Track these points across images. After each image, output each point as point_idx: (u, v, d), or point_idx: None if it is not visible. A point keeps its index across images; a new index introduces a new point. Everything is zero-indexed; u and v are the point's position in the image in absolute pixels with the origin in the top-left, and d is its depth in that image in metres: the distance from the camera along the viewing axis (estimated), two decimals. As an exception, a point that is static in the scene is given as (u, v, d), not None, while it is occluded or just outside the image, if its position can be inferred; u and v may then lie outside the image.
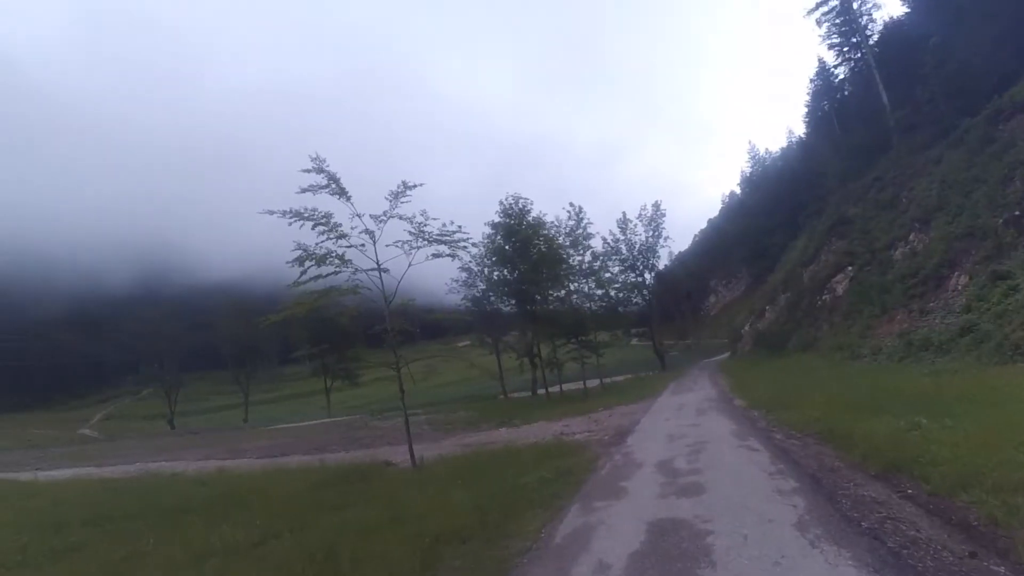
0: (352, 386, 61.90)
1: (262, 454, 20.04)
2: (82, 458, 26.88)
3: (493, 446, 13.01)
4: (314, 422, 42.21)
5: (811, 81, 59.92)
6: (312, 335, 38.55)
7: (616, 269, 39.53)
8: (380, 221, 11.43)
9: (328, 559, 5.12)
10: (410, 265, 11.76)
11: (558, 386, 31.01)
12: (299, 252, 11.09)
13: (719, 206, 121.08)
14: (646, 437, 10.98)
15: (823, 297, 28.07)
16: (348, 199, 11.28)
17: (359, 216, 11.25)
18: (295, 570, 4.99)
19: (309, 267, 11.12)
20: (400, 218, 11.59)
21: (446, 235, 11.52)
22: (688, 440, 9.66)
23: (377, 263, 11.46)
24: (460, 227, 11.80)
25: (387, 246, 11.41)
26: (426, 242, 11.51)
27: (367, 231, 11.26)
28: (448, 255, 11.87)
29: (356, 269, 11.36)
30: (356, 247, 11.31)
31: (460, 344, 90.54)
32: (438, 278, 40.44)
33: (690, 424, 11.80)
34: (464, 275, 38.35)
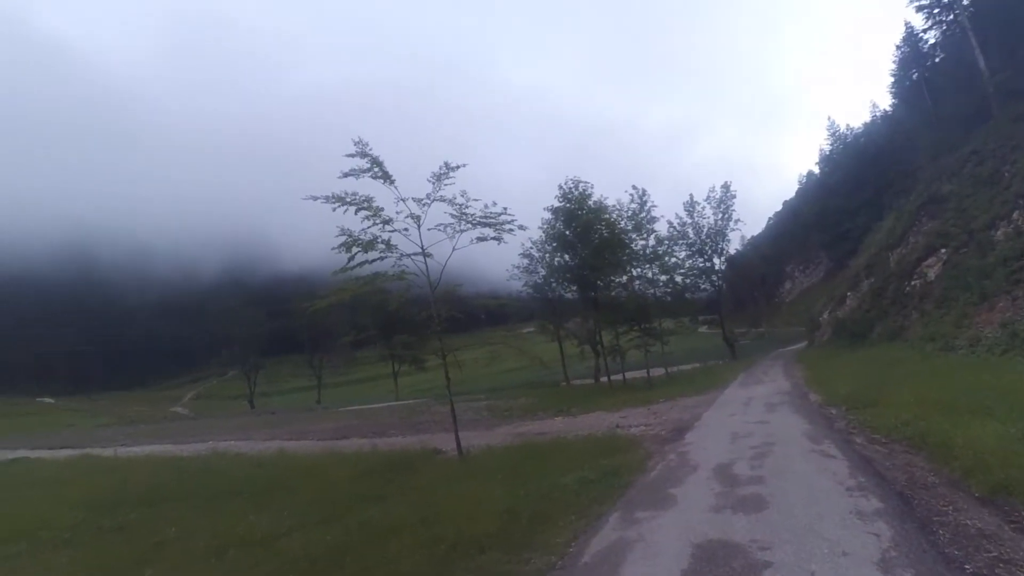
0: (419, 370, 63.57)
1: (324, 436, 20.48)
2: (164, 435, 28.89)
3: (544, 437, 12.54)
4: (381, 405, 43.42)
5: (897, 48, 54.76)
6: (375, 322, 39.46)
7: (683, 254, 37.60)
8: (423, 204, 11.12)
9: (335, 563, 4.81)
10: (454, 249, 11.40)
11: (621, 374, 30.07)
12: (344, 238, 10.92)
13: (795, 187, 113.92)
14: (707, 434, 10.11)
15: (912, 283, 25.49)
16: (391, 183, 11.01)
17: (403, 200, 10.99)
18: (299, 569, 4.74)
19: (356, 253, 10.93)
20: (444, 200, 11.25)
21: (490, 217, 11.02)
22: (753, 440, 8.73)
23: (421, 248, 11.17)
24: (505, 209, 11.28)
25: (429, 230, 11.10)
26: (469, 225, 11.08)
27: (412, 215, 10.99)
28: (493, 238, 11.39)
29: (401, 254, 11.11)
30: (400, 231, 11.08)
31: (524, 331, 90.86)
32: (500, 262, 40.35)
33: (757, 421, 10.77)
34: (525, 261, 38.00)
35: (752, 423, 10.57)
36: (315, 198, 10.79)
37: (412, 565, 4.57)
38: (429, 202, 11.16)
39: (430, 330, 11.89)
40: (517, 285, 38.47)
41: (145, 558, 6.07)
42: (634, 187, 28.89)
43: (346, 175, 10.81)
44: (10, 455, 23.45)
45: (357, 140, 10.87)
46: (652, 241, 29.29)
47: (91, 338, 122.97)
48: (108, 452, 20.54)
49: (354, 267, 11.04)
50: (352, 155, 10.82)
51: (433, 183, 11.20)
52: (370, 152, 10.88)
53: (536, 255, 36.80)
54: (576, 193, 28.72)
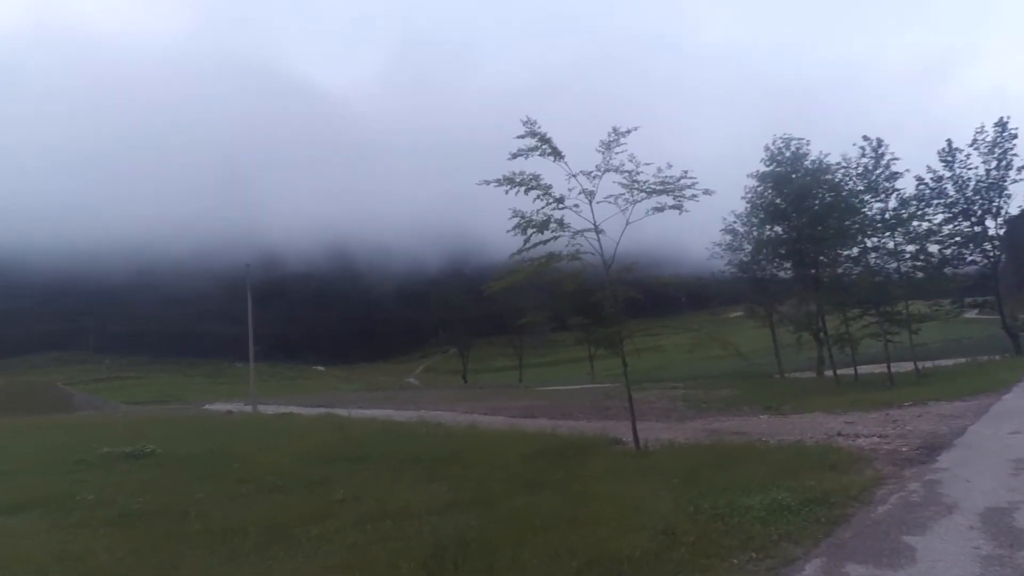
0: (616, 354, 62.46)
1: (514, 413, 20.85)
2: (392, 402, 32.75)
3: (739, 439, 10.72)
4: (576, 387, 43.68)
5: None
6: (571, 305, 39.42)
7: (938, 217, 28.97)
8: (593, 177, 10.17)
9: (455, 558, 4.47)
10: (627, 223, 10.22)
11: (852, 368, 25.17)
12: (517, 220, 10.55)
13: None
14: (972, 458, 7.38)
15: None
16: (561, 159, 10.30)
17: (574, 176, 10.20)
18: (418, 557, 4.50)
19: (531, 234, 10.51)
20: (615, 171, 10.15)
21: (667, 183, 9.55)
22: (1053, 474, 5.99)
23: (594, 223, 10.26)
24: (686, 172, 9.69)
25: (598, 203, 10.09)
26: (643, 194, 9.76)
27: (584, 191, 10.15)
28: (672, 207, 9.90)
29: (574, 232, 10.37)
30: (571, 208, 10.31)
31: (731, 315, 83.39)
32: (702, 238, 37.08)
33: (1062, 445, 7.55)
34: (728, 238, 34.30)
35: (1052, 447, 7.43)
36: (487, 182, 10.60)
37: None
38: (599, 174, 10.20)
39: (603, 312, 10.91)
40: (719, 264, 35.04)
41: (323, 512, 6.52)
42: (865, 138, 23.38)
43: (515, 156, 10.39)
44: (281, 410, 28.91)
45: (526, 120, 10.36)
46: (893, 203, 23.37)
47: (348, 320, 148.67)
48: (344, 413, 23.94)
49: (529, 248, 10.65)
50: (522, 136, 10.35)
51: (603, 152, 10.19)
52: (539, 130, 10.29)
53: (741, 230, 32.92)
54: (788, 153, 24.57)
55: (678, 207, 9.89)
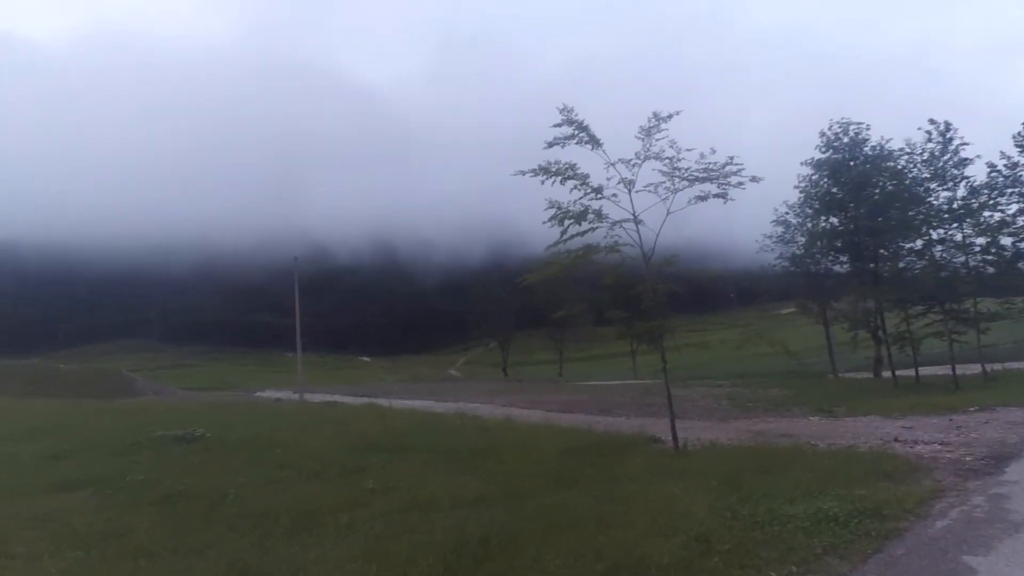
0: (656, 350, 61.11)
1: (553, 408, 20.65)
2: (433, 393, 33.10)
3: (786, 441, 10.23)
4: (618, 382, 43.12)
5: None
6: (612, 299, 38.64)
7: (1013, 208, 26.91)
8: (633, 165, 9.84)
9: (478, 557, 4.40)
10: (668, 213, 9.84)
11: (913, 370, 23.72)
12: (553, 211, 10.33)
13: None
14: (1048, 470, 6.72)
15: None
16: (599, 147, 10.01)
17: (613, 165, 9.91)
18: (438, 553, 4.43)
19: (569, 225, 10.28)
20: (657, 158, 9.79)
21: (711, 170, 9.12)
22: None
23: (633, 213, 9.94)
24: (732, 158, 9.22)
25: (637, 192, 9.75)
26: (685, 182, 9.36)
27: (623, 180, 9.85)
28: (717, 196, 9.46)
29: (612, 223, 10.08)
30: (609, 198, 10.03)
31: (783, 311, 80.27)
32: (753, 230, 35.70)
33: None
34: (780, 229, 32.86)
35: None
36: (522, 172, 10.43)
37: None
38: (639, 162, 9.86)
39: (642, 306, 10.56)
40: (769, 258, 33.60)
41: (354, 501, 6.59)
42: (932, 121, 21.75)
43: (550, 145, 10.14)
44: (327, 398, 29.67)
45: (562, 107, 10.10)
46: (962, 192, 21.67)
47: (392, 312, 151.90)
48: (386, 403, 24.34)
49: (567, 240, 10.43)
50: (559, 124, 10.11)
51: (642, 139, 9.84)
52: (576, 118, 10.02)
53: (794, 221, 31.45)
54: (845, 139, 23.22)
55: (723, 195, 9.45)
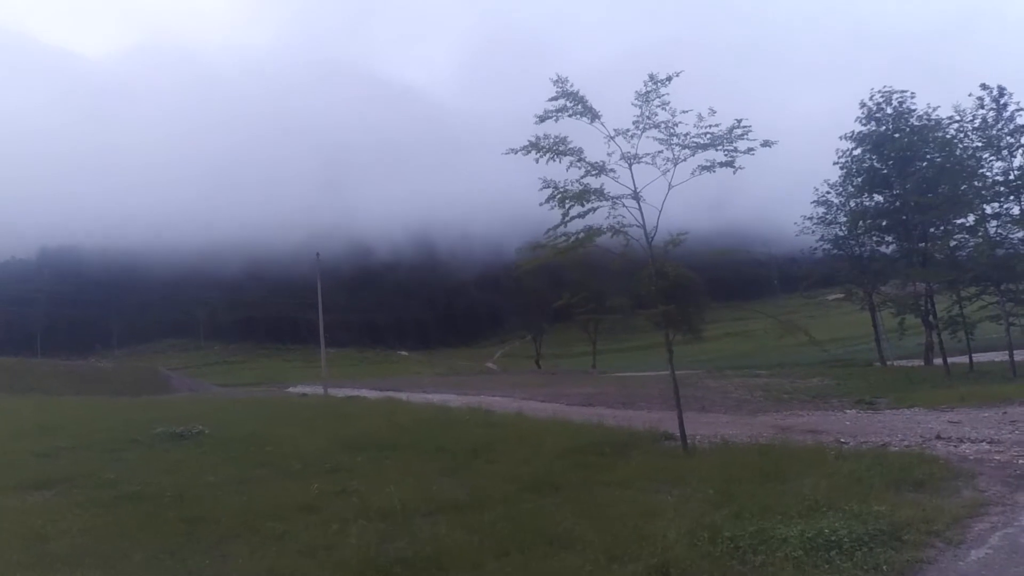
0: (696, 340, 59.94)
1: (573, 401, 19.93)
2: (458, 387, 32.63)
3: (810, 439, 9.18)
4: (651, 373, 41.74)
5: None
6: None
7: None
8: (631, 136, 8.91)
9: None
10: (671, 187, 8.86)
11: (967, 356, 21.77)
12: (549, 191, 9.51)
13: None
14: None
15: None
16: (597, 119, 9.12)
17: (613, 139, 9.01)
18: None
19: (569, 206, 9.46)
20: (657, 127, 8.81)
21: (715, 135, 8.07)
22: None
23: (634, 189, 9.03)
24: (739, 121, 8.15)
25: (636, 165, 8.81)
26: (687, 150, 8.35)
27: (625, 156, 8.95)
28: (724, 165, 8.42)
29: (613, 201, 9.21)
30: (609, 175, 9.15)
31: (829, 297, 76.46)
32: (797, 215, 33.71)
33: None
34: (821, 210, 30.82)
35: None
36: (513, 151, 9.64)
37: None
38: (638, 132, 8.90)
39: (643, 291, 9.63)
40: (810, 240, 31.58)
41: (310, 506, 6.26)
42: (984, 87, 19.65)
43: (542, 119, 9.28)
44: (351, 393, 29.57)
45: (556, 79, 9.22)
46: (1019, 160, 19.55)
47: (431, 306, 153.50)
48: (404, 397, 24.00)
49: (568, 222, 9.62)
50: (554, 98, 9.25)
51: (640, 106, 8.86)
52: (571, 89, 9.14)
53: (836, 201, 29.38)
54: (888, 110, 21.30)
55: (730, 164, 8.39)
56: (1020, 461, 6.47)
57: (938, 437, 8.49)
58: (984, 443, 7.71)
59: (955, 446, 7.75)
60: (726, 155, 8.33)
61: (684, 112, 8.03)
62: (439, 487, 7.02)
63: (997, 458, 6.73)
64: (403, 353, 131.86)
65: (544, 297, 65.63)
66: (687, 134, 8.11)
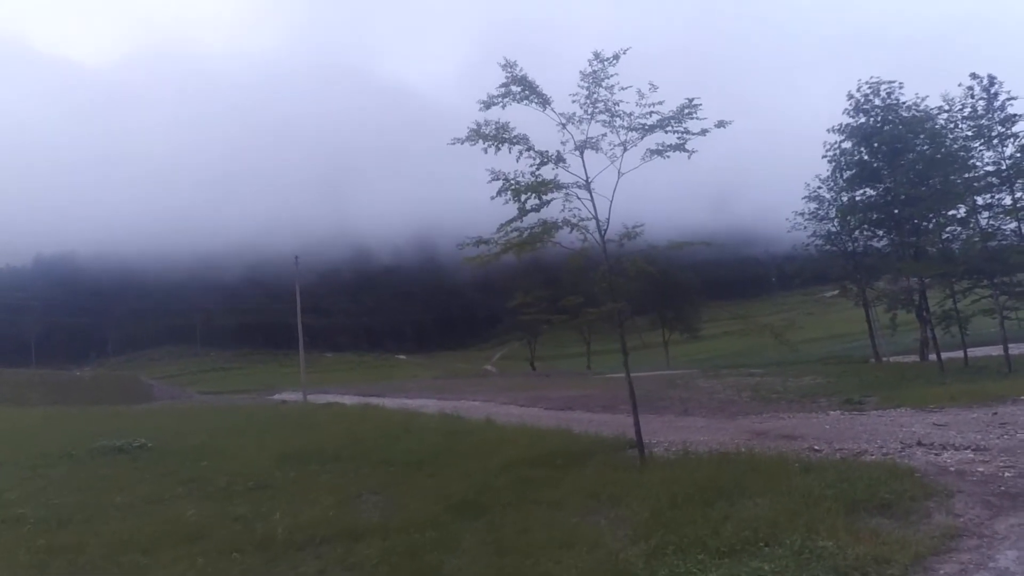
0: (693, 339, 59.28)
1: (553, 405, 19.25)
2: (442, 391, 31.84)
3: (782, 446, 8.48)
4: (646, 373, 41.03)
5: None
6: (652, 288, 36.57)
7: None
8: (580, 121, 8.15)
9: None
10: (620, 175, 8.11)
11: (961, 351, 21.00)
12: (500, 183, 8.71)
13: None
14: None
15: None
16: (548, 105, 8.34)
17: (565, 126, 8.24)
18: None
19: (527, 200, 8.68)
20: (604, 112, 8.05)
21: (660, 113, 7.30)
22: None
23: (586, 179, 8.29)
24: (691, 100, 7.38)
25: (586, 152, 8.04)
26: (633, 132, 7.59)
27: (577, 145, 8.20)
28: (673, 148, 7.66)
29: (566, 193, 8.45)
30: (561, 165, 8.38)
31: (828, 294, 75.66)
32: (783, 207, 32.94)
33: None
34: (813, 206, 30.04)
35: None
36: (458, 141, 8.82)
37: None
38: (587, 117, 8.14)
39: (602, 292, 8.88)
40: (802, 237, 30.81)
41: (199, 532, 5.81)
42: (973, 75, 18.93)
43: (487, 105, 8.47)
44: (332, 399, 28.78)
45: (504, 63, 8.41)
46: (1010, 150, 18.77)
47: (431, 309, 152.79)
48: (381, 402, 23.29)
49: (525, 215, 8.84)
50: (504, 84, 8.46)
51: (587, 88, 8.09)
52: (520, 73, 8.36)
53: (827, 196, 28.62)
54: (877, 101, 20.51)
55: (681, 147, 7.62)
56: (1006, 474, 5.67)
57: (919, 443, 7.71)
58: (968, 451, 6.91)
59: (936, 454, 6.96)
60: (678, 137, 7.57)
61: (623, 89, 7.21)
62: (355, 508, 6.63)
63: (980, 470, 5.94)
64: (401, 357, 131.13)
65: (539, 298, 65.18)
66: (631, 114, 7.32)
